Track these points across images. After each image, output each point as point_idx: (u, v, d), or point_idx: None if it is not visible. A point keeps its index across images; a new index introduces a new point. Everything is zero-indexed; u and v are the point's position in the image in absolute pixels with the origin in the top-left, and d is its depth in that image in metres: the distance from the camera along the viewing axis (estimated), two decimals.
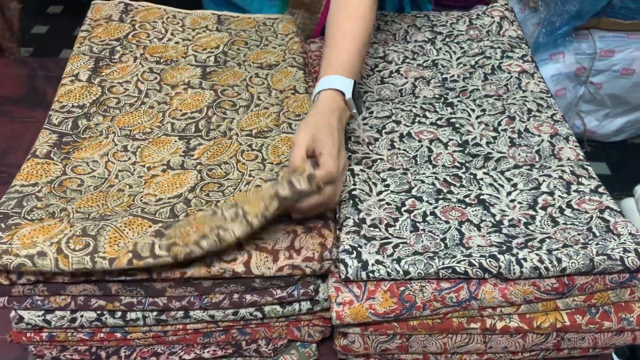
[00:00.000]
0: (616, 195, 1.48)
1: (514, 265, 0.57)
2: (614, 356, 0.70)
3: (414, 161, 0.71)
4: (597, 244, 0.58)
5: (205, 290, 0.59)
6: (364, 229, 0.62)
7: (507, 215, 0.64)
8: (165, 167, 0.68)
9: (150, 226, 0.58)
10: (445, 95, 0.82)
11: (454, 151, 0.73)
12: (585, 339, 0.63)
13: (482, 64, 0.88)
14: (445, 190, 0.67)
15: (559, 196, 0.66)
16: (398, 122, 0.77)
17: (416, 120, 0.77)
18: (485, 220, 0.63)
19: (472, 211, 0.64)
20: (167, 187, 0.65)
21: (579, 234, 0.61)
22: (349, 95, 0.67)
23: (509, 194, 0.67)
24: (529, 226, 0.62)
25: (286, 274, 0.59)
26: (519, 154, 0.72)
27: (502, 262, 0.57)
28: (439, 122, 0.77)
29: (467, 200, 0.66)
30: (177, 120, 0.75)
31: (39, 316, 0.60)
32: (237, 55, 0.87)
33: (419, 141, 0.74)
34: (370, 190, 0.67)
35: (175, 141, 0.72)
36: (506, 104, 0.80)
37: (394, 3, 1.05)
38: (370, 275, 0.57)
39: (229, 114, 0.76)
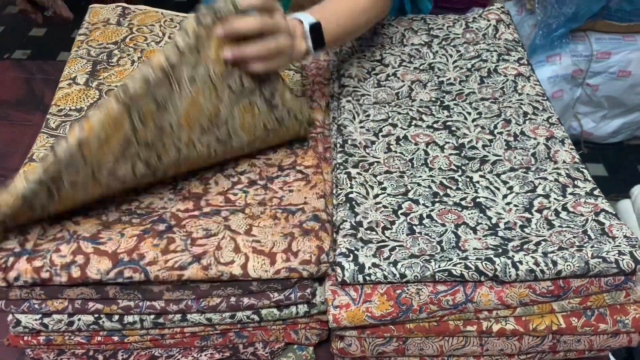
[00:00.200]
0: (613, 197, 1.49)
1: (509, 268, 0.57)
2: (611, 357, 0.70)
3: (410, 164, 0.72)
4: (592, 247, 0.59)
5: (203, 293, 0.60)
6: (361, 232, 0.62)
7: (503, 218, 0.64)
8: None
9: None
10: (441, 99, 0.82)
11: (450, 154, 0.73)
12: (581, 341, 0.63)
13: (478, 67, 0.88)
14: (441, 193, 0.67)
15: (555, 199, 0.66)
16: (395, 125, 0.77)
17: (412, 123, 0.78)
18: (481, 223, 0.63)
19: (468, 214, 0.65)
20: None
21: (574, 237, 0.61)
22: (307, 25, 0.69)
23: (504, 196, 0.67)
24: (525, 229, 0.63)
25: (283, 277, 0.59)
26: (515, 157, 0.72)
27: (498, 264, 0.57)
28: (435, 125, 0.77)
29: (463, 203, 0.66)
30: None
31: (36, 320, 0.60)
32: None
33: (416, 144, 0.75)
34: (367, 193, 0.67)
35: None
36: (502, 107, 0.80)
37: (394, 2, 1.05)
38: (367, 278, 0.58)
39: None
